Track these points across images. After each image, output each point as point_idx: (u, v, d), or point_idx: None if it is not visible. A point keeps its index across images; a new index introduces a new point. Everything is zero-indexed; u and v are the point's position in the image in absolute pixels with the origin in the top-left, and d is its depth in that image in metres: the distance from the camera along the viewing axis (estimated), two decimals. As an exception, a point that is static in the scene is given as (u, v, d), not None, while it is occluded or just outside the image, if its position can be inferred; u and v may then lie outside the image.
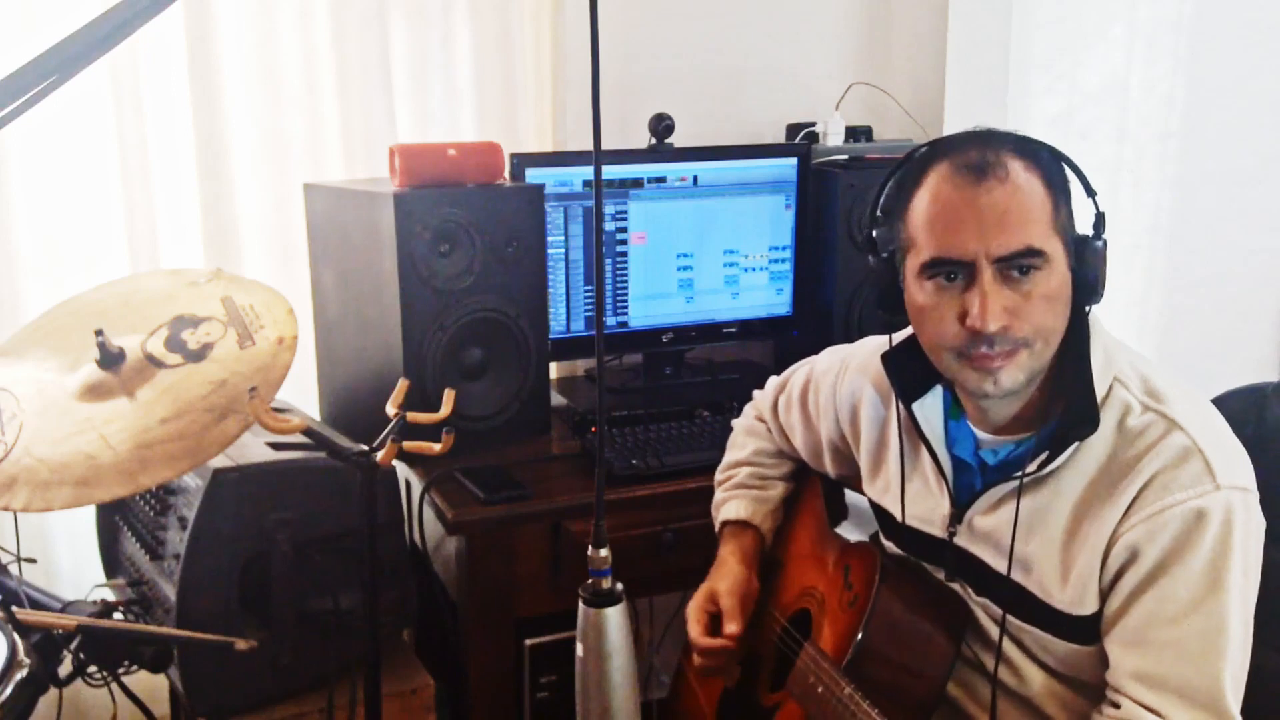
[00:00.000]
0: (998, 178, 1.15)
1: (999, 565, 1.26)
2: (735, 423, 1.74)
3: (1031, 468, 1.22)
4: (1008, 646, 1.28)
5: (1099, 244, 1.20)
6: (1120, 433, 1.19)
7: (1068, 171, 1.21)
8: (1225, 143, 2.49)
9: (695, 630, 1.49)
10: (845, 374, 1.50)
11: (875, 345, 1.43)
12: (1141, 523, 1.15)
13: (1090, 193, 1.20)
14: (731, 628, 1.46)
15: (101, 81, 2.00)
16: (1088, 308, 1.22)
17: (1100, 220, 1.20)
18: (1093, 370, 1.20)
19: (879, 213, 1.29)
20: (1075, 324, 1.22)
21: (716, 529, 1.64)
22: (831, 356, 1.57)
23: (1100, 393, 1.20)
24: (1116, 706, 1.16)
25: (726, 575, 1.53)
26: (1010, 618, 1.27)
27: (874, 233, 1.29)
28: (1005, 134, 1.20)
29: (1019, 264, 1.15)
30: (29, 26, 1.92)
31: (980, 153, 1.17)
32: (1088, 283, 1.20)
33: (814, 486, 1.61)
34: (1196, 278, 2.55)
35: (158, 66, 2.05)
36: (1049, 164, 1.19)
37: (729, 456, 1.70)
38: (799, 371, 1.62)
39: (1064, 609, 1.21)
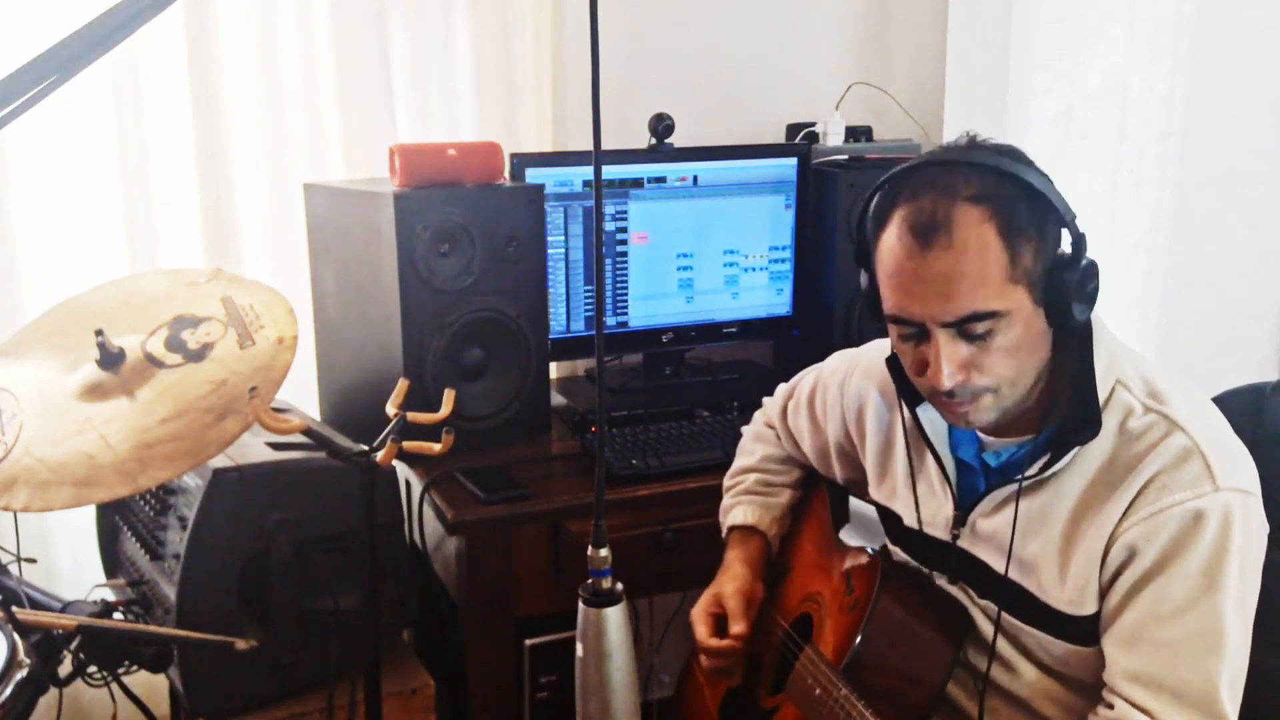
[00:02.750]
0: (942, 245, 1.13)
1: (1001, 567, 1.27)
2: (744, 429, 1.74)
3: (1032, 471, 1.22)
4: (1008, 648, 1.29)
5: (1080, 265, 1.16)
6: (1121, 434, 1.19)
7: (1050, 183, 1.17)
8: (1225, 143, 2.49)
9: (702, 632, 1.49)
10: (851, 377, 1.50)
11: (880, 349, 1.43)
12: (1140, 522, 1.15)
13: (1067, 222, 1.16)
14: (737, 628, 1.46)
15: (101, 81, 2.00)
16: (1084, 317, 1.20)
17: (1079, 244, 1.16)
18: (1095, 374, 1.20)
19: (865, 229, 1.26)
20: (1070, 333, 1.21)
21: (723, 534, 1.64)
22: (838, 360, 1.57)
23: (1102, 395, 1.20)
24: (1111, 708, 1.16)
25: (732, 578, 1.54)
26: (1010, 618, 1.27)
27: (861, 248, 1.27)
28: (973, 169, 1.15)
29: (971, 325, 1.14)
30: (29, 26, 1.92)
31: (933, 206, 1.13)
32: (1063, 307, 1.16)
33: (821, 494, 1.61)
34: (1196, 278, 2.55)
35: (158, 66, 2.05)
36: (1014, 204, 1.13)
37: (737, 462, 1.70)
38: (807, 377, 1.63)
39: (1064, 609, 1.21)
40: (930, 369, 1.18)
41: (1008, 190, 1.14)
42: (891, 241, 1.18)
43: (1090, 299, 1.18)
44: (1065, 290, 1.16)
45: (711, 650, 1.47)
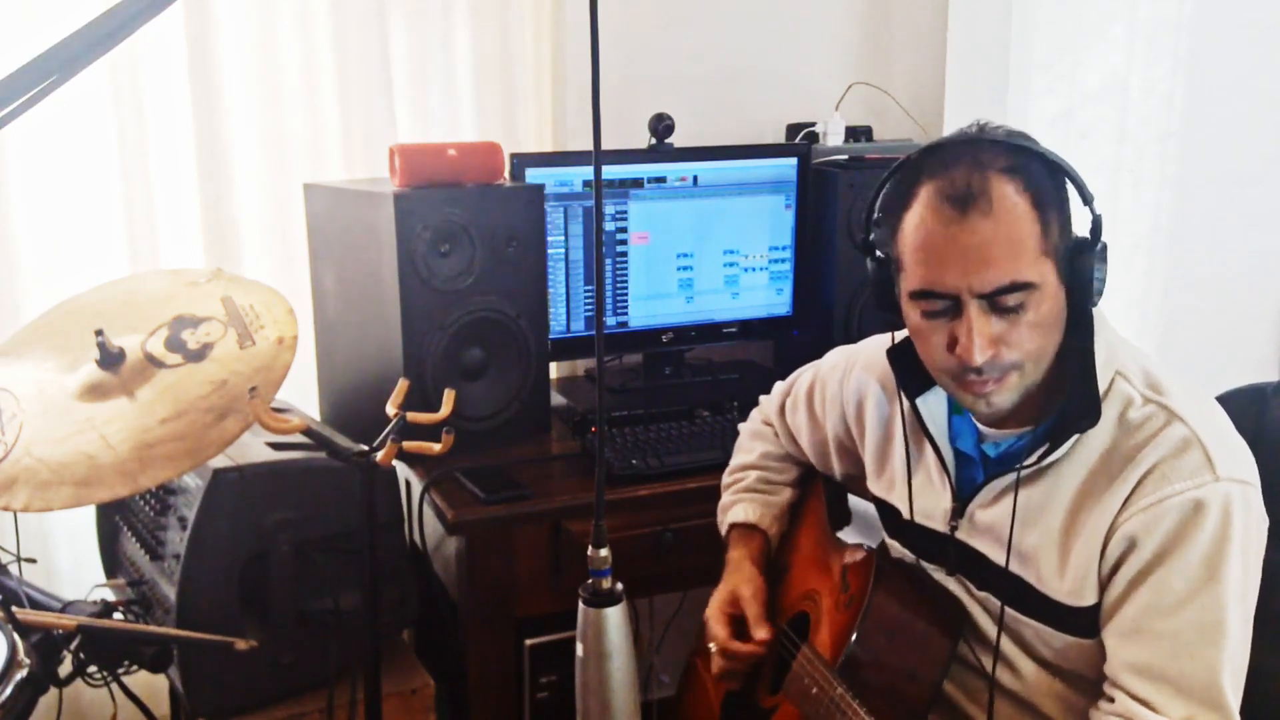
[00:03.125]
0: (981, 211, 1.13)
1: (999, 558, 1.27)
2: (741, 427, 1.74)
3: (1031, 460, 1.22)
4: (1008, 643, 1.29)
5: (1096, 248, 1.18)
6: (1121, 424, 1.19)
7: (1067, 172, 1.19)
8: (1225, 143, 2.49)
9: (723, 634, 1.48)
10: (851, 371, 1.50)
11: (880, 343, 1.43)
12: (1140, 513, 1.15)
13: (1087, 200, 1.18)
14: (762, 634, 1.45)
15: (101, 81, 2.00)
16: (1090, 305, 1.21)
17: (1097, 225, 1.18)
18: (1095, 364, 1.20)
19: (875, 216, 1.27)
20: (1078, 320, 1.22)
21: (723, 531, 1.64)
22: (837, 355, 1.58)
23: (1102, 386, 1.20)
24: (1112, 701, 1.16)
25: (747, 579, 1.53)
26: (1009, 611, 1.27)
27: (871, 236, 1.28)
28: (998, 145, 1.17)
29: (1005, 297, 1.15)
30: (29, 26, 1.92)
31: (967, 177, 1.14)
32: (1084, 287, 1.18)
33: (817, 493, 1.62)
34: (1196, 278, 2.55)
35: (158, 66, 2.05)
36: (1041, 178, 1.16)
37: (736, 460, 1.70)
38: (805, 374, 1.63)
39: (1063, 600, 1.21)
40: (961, 344, 1.16)
41: (1036, 165, 1.16)
42: (923, 215, 1.17)
43: (1104, 281, 1.19)
44: (1085, 270, 1.17)
45: (733, 652, 1.47)
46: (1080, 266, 1.18)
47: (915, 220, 1.18)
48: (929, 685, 1.29)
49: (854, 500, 1.60)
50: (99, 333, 1.34)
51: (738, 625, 1.50)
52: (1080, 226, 1.20)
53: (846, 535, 1.55)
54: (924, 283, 1.18)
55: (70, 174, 2.02)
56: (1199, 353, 2.53)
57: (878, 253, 1.27)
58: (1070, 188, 1.19)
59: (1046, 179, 1.16)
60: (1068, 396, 1.22)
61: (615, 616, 0.93)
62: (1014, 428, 1.27)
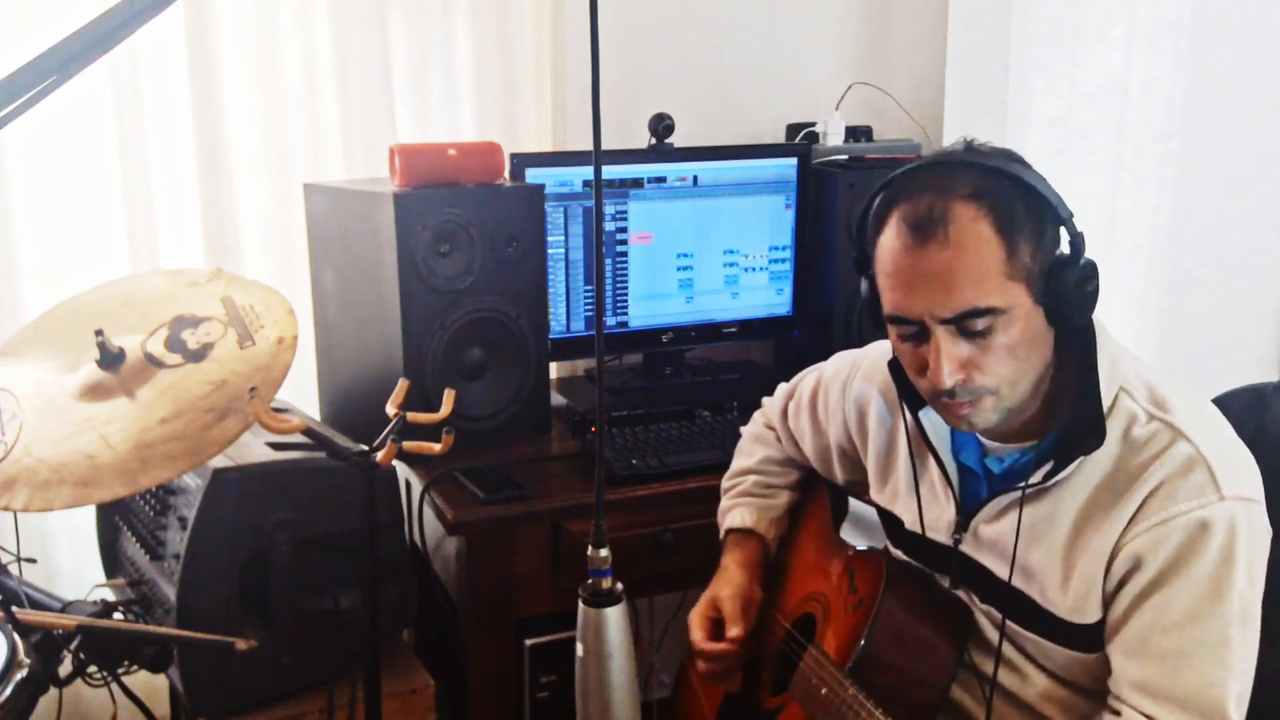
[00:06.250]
0: (939, 241, 1.13)
1: (1003, 573, 1.26)
2: (744, 430, 1.74)
3: (1035, 478, 1.22)
4: (1012, 653, 1.29)
5: (1079, 265, 1.16)
6: (1125, 442, 1.19)
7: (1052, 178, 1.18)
8: (1225, 143, 2.49)
9: (698, 635, 1.49)
10: (853, 380, 1.50)
11: (882, 351, 1.42)
12: (1145, 532, 1.15)
13: (1063, 220, 1.16)
14: (734, 631, 1.46)
15: (101, 81, 2.00)
16: (1085, 318, 1.20)
17: (1077, 243, 1.16)
18: (1099, 381, 1.19)
19: (864, 234, 1.26)
20: (1070, 336, 1.21)
21: (720, 536, 1.64)
22: (840, 361, 1.57)
23: (1106, 403, 1.19)
24: (1118, 714, 1.16)
25: (728, 582, 1.54)
26: (1012, 624, 1.27)
27: (861, 254, 1.27)
28: (969, 169, 1.16)
29: (970, 321, 1.14)
30: (29, 26, 1.92)
31: (930, 204, 1.14)
32: (1065, 306, 1.17)
33: (820, 494, 1.61)
34: (1196, 278, 2.55)
35: (158, 66, 2.05)
36: (1011, 201, 1.14)
37: (736, 464, 1.70)
38: (808, 377, 1.62)
39: (1065, 617, 1.21)
40: (930, 368, 1.17)
41: (1004, 188, 1.15)
42: (890, 240, 1.18)
43: (1090, 299, 1.18)
44: (1064, 289, 1.16)
45: (707, 653, 1.47)
46: (1058, 285, 1.16)
47: (885, 245, 1.19)
48: (936, 689, 1.29)
49: (853, 502, 1.60)
50: (99, 333, 1.34)
51: (716, 627, 1.50)
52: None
53: (845, 535, 1.54)
54: (892, 308, 1.20)
55: (70, 174, 2.02)
56: (1199, 353, 2.53)
57: (869, 270, 1.26)
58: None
59: (1018, 201, 1.15)
60: (1072, 415, 1.21)
61: (615, 616, 0.93)
62: (1018, 442, 1.26)
